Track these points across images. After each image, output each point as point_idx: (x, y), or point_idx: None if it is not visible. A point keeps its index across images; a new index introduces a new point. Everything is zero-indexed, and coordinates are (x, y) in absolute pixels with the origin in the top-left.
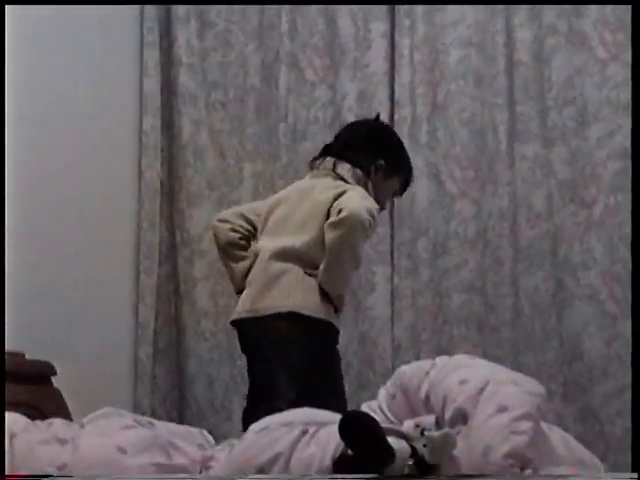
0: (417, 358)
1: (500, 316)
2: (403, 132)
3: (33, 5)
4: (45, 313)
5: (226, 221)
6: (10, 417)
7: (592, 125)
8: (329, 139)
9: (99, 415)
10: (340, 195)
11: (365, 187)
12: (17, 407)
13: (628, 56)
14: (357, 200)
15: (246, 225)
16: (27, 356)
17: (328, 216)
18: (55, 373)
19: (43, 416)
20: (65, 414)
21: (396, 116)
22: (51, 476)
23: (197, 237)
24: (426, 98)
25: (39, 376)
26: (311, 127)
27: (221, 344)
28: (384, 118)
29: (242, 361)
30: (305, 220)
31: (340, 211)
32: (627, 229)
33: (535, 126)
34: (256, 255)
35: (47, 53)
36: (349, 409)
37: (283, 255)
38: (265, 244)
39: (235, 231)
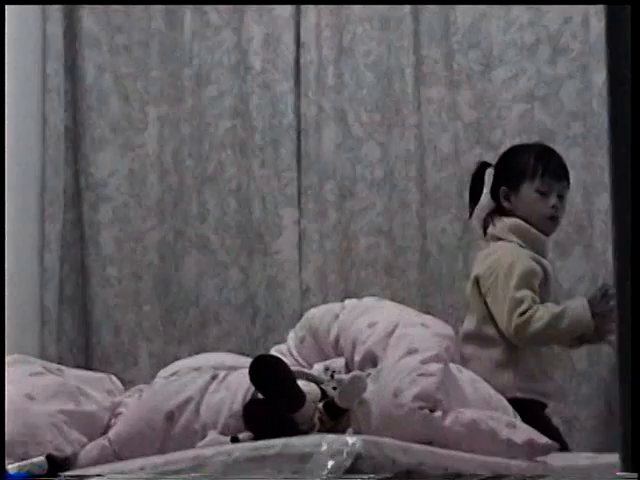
0: (325, 301)
1: (407, 259)
2: (309, 76)
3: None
4: None
5: None
6: None
7: (497, 68)
8: (234, 83)
9: (8, 362)
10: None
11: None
12: None
13: None
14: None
15: None
16: None
17: None
18: None
19: None
20: None
21: (302, 60)
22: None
23: (102, 182)
24: (332, 41)
25: None
26: (215, 70)
27: (127, 290)
28: (289, 62)
29: (148, 307)
30: None
31: None
32: None
33: (441, 69)
34: None
35: None
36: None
37: None
38: None
39: None
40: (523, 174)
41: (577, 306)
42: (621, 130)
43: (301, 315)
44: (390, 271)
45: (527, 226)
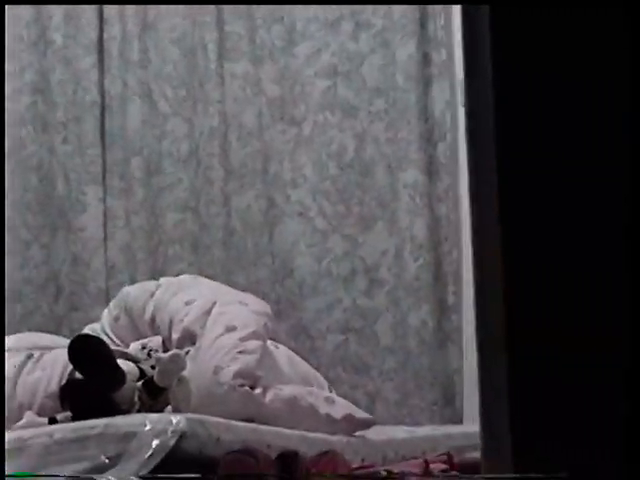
0: (132, 279)
1: (213, 235)
2: (113, 51)
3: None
4: None
5: None
6: None
7: (300, 43)
8: (34, 58)
9: None
10: None
11: None
12: None
13: None
14: None
15: None
16: None
17: None
18: None
19: None
20: None
21: (105, 35)
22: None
23: None
24: (136, 17)
25: None
26: (15, 46)
27: None
28: (93, 37)
29: None
30: None
31: None
32: (335, 146)
33: (244, 44)
34: None
35: None
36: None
37: None
38: None
39: None
40: None
41: None
42: (481, 122)
43: (107, 293)
44: (196, 248)
45: None
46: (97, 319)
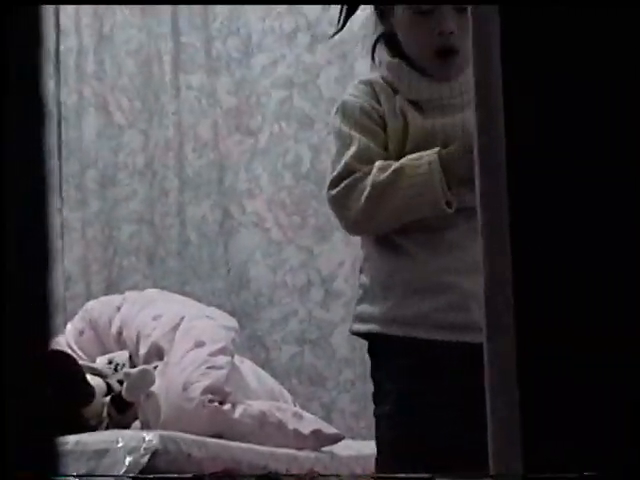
0: (88, 290)
1: (168, 246)
2: (69, 63)
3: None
4: None
5: None
6: None
7: (256, 55)
8: None
9: None
10: None
11: None
12: None
13: None
14: None
15: None
16: None
17: None
18: None
19: None
20: None
21: (62, 47)
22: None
23: None
24: (92, 28)
25: None
26: None
27: None
28: (50, 49)
29: None
30: None
31: None
32: (291, 157)
33: (200, 56)
34: None
35: None
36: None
37: None
38: None
39: None
40: None
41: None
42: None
43: (65, 304)
44: (152, 259)
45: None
46: (55, 330)
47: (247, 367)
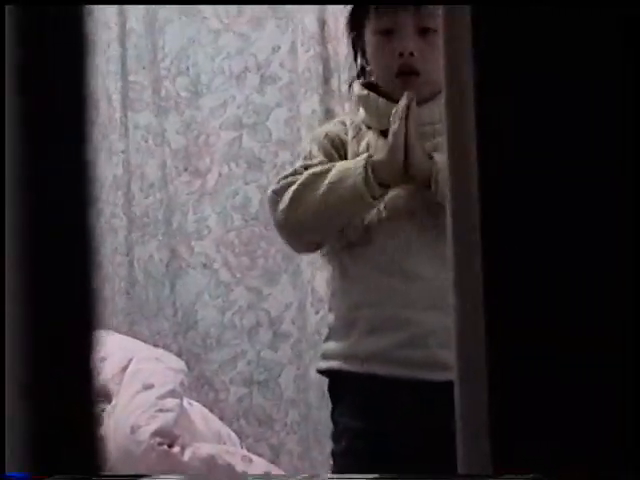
0: None
1: (115, 286)
2: None
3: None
4: None
5: None
6: None
7: (205, 95)
8: None
9: None
10: None
11: None
12: None
13: (239, 27)
14: None
15: None
16: None
17: None
18: None
19: None
20: None
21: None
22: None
23: None
24: None
25: None
26: None
27: None
28: None
29: None
30: None
31: None
32: (240, 198)
33: (148, 95)
34: None
35: None
36: None
37: None
38: None
39: None
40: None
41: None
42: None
43: None
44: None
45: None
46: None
47: (196, 410)
